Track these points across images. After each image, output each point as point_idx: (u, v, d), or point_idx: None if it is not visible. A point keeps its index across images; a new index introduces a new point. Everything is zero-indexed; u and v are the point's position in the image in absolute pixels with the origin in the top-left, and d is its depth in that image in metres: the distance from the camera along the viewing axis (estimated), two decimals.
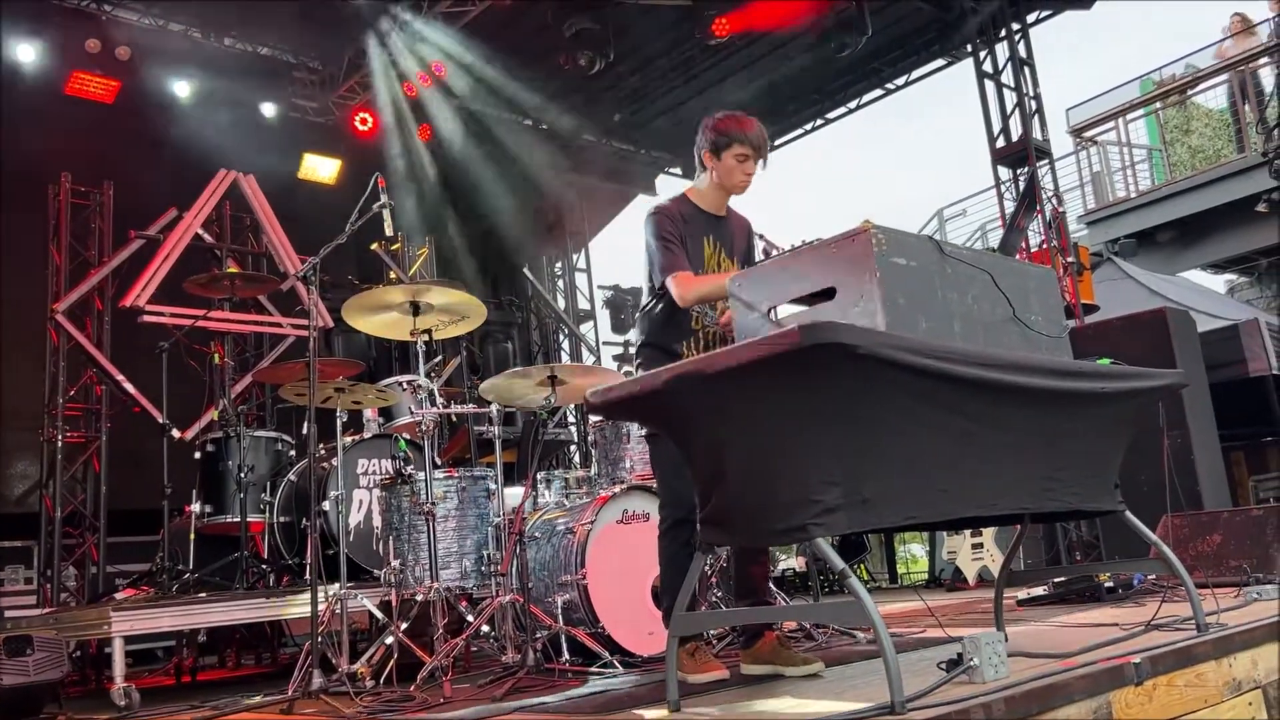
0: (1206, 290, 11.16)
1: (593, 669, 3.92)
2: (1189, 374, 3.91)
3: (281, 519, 5.66)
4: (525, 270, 9.41)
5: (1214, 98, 12.09)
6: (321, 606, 4.11)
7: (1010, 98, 9.27)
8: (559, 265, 12.41)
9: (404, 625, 4.25)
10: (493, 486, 4.61)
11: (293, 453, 6.03)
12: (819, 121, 12.15)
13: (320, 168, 9.98)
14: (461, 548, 4.47)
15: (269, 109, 9.62)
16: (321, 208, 8.90)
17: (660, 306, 3.60)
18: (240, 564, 5.34)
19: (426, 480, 4.38)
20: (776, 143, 12.11)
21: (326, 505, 5.04)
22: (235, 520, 5.50)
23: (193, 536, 5.65)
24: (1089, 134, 12.67)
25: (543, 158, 11.25)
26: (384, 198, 4.38)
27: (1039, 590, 5.26)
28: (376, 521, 4.98)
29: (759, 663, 3.38)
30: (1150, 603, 4.27)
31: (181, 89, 9.05)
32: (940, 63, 11.03)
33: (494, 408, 4.63)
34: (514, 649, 4.13)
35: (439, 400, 4.96)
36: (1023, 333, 2.90)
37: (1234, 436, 8.89)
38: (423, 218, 9.91)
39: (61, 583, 7.31)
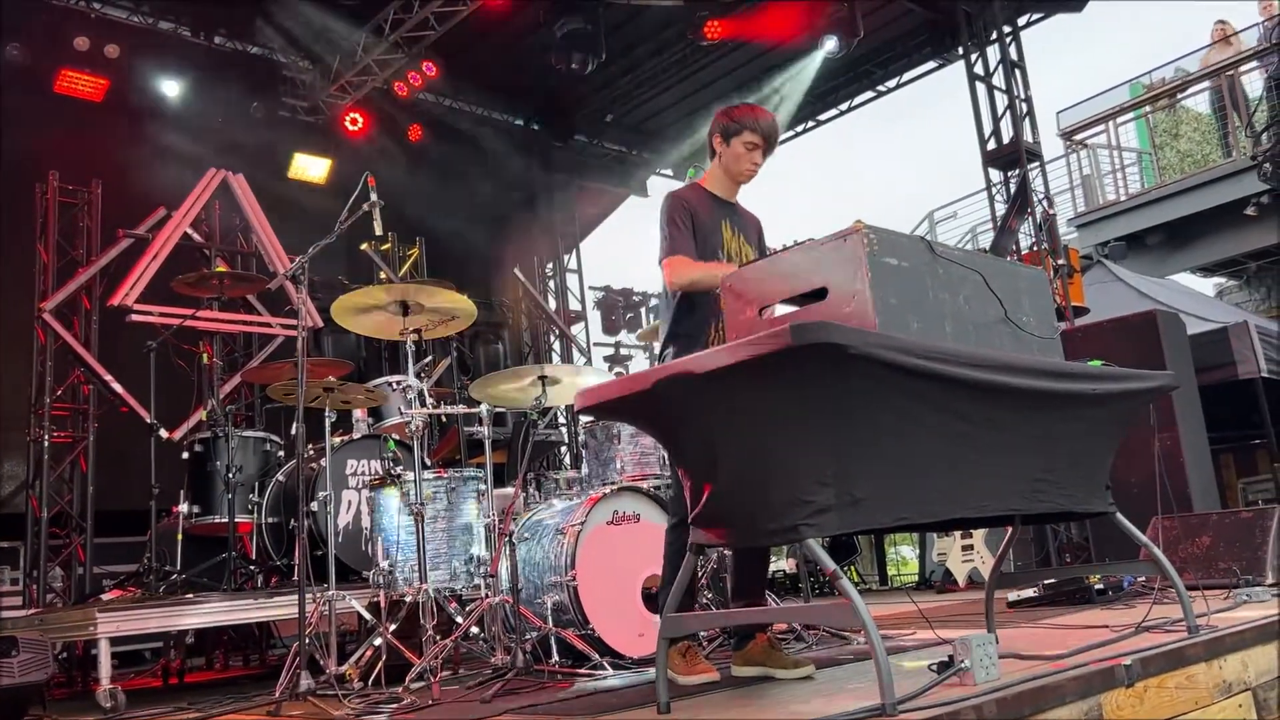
0: (1196, 293, 11.19)
1: (582, 670, 3.90)
2: (1179, 376, 3.91)
3: (269, 519, 5.64)
4: (516, 271, 9.39)
5: (1202, 102, 12.15)
6: (309, 608, 4.09)
7: (1001, 100, 9.29)
8: (550, 266, 12.39)
9: (393, 627, 4.22)
10: (482, 487, 4.59)
11: (281, 453, 6.00)
12: (810, 123, 12.17)
13: (311, 167, 9.94)
14: (451, 549, 4.45)
15: (259, 108, 9.57)
16: (312, 207, 8.86)
17: (682, 295, 3.58)
18: (228, 565, 5.32)
19: (416, 481, 4.36)
20: None
21: (315, 506, 5.02)
22: (223, 521, 5.47)
23: (180, 537, 5.61)
24: (1079, 137, 12.71)
25: (534, 158, 11.25)
26: (374, 197, 4.36)
27: (1029, 592, 5.27)
28: (365, 522, 4.95)
29: (750, 664, 3.37)
30: (1140, 604, 4.28)
31: (171, 87, 9.01)
32: (931, 65, 11.07)
33: (484, 408, 4.61)
34: (503, 650, 4.11)
35: (428, 401, 4.94)
36: (1014, 334, 2.90)
37: (1223, 439, 8.92)
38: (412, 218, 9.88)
39: (48, 584, 7.25)
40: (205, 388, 7.41)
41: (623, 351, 11.04)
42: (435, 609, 4.26)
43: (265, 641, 6.54)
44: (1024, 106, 9.26)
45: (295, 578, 4.61)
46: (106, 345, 7.76)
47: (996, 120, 9.25)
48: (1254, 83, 11.32)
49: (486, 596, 4.32)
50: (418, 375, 5.02)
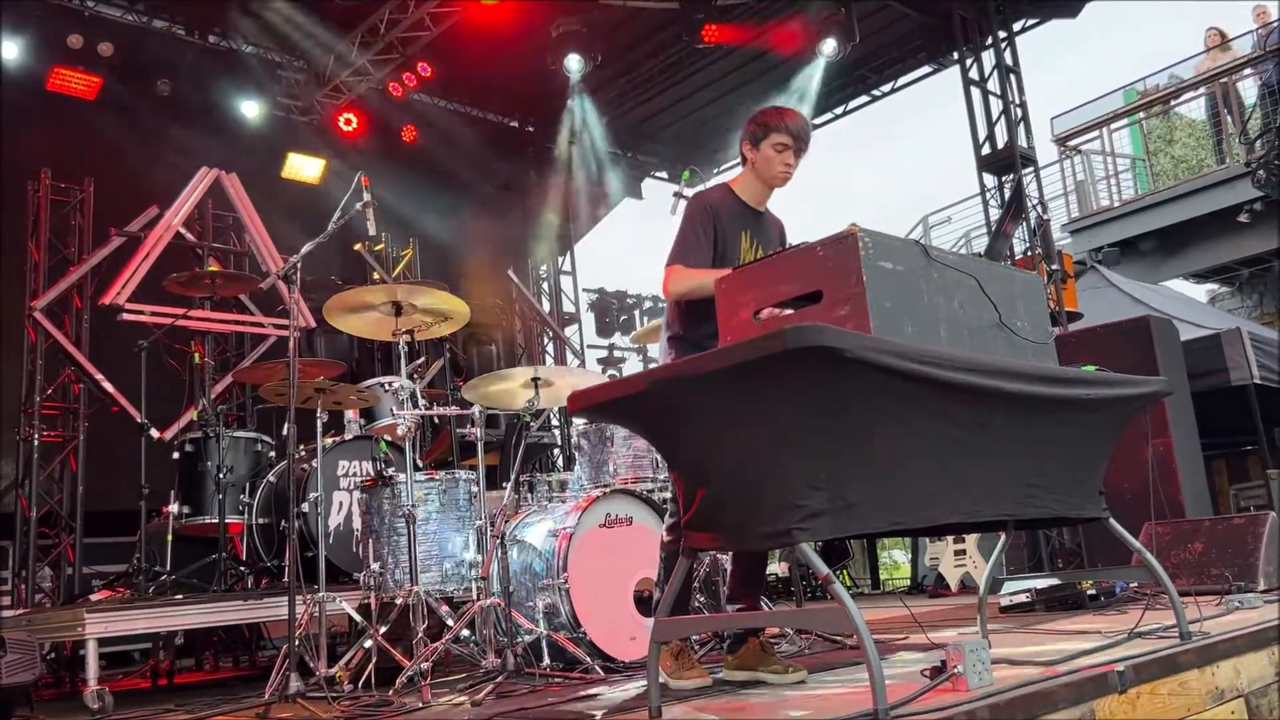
0: (1189, 299, 11.20)
1: (574, 674, 3.88)
2: (1172, 382, 3.91)
3: (260, 520, 5.62)
4: (510, 272, 9.37)
5: (1196, 109, 12.18)
6: (300, 609, 4.06)
7: (996, 105, 9.30)
8: (544, 268, 12.37)
9: (383, 629, 4.20)
10: (475, 489, 4.57)
11: (272, 454, 5.97)
12: None
13: (305, 167, 9.90)
14: (442, 551, 4.43)
15: (252, 107, 9.54)
16: (305, 207, 8.83)
17: (688, 301, 3.51)
18: (218, 565, 5.29)
19: (408, 482, 4.34)
20: None
21: (306, 507, 4.99)
22: (213, 521, 5.45)
23: (170, 537, 5.59)
24: (1073, 143, 12.73)
25: (528, 159, 11.22)
26: (367, 196, 4.34)
27: (1022, 597, 5.26)
28: (356, 524, 4.93)
29: (742, 668, 3.36)
30: (1133, 610, 4.27)
31: (164, 86, 8.98)
32: (927, 70, 11.07)
33: (477, 410, 4.60)
34: (494, 653, 4.09)
35: (421, 402, 4.92)
36: (1009, 338, 2.89)
37: (1215, 445, 8.94)
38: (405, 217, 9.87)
39: (37, 584, 7.21)
40: (197, 387, 7.39)
41: (616, 354, 11.00)
42: (426, 611, 4.24)
43: (255, 643, 6.51)
44: (1018, 112, 9.28)
45: (285, 579, 4.58)
46: (97, 344, 7.73)
47: (991, 125, 9.26)
48: (1248, 89, 11.36)
49: (478, 599, 4.30)
50: (410, 376, 5.00)
